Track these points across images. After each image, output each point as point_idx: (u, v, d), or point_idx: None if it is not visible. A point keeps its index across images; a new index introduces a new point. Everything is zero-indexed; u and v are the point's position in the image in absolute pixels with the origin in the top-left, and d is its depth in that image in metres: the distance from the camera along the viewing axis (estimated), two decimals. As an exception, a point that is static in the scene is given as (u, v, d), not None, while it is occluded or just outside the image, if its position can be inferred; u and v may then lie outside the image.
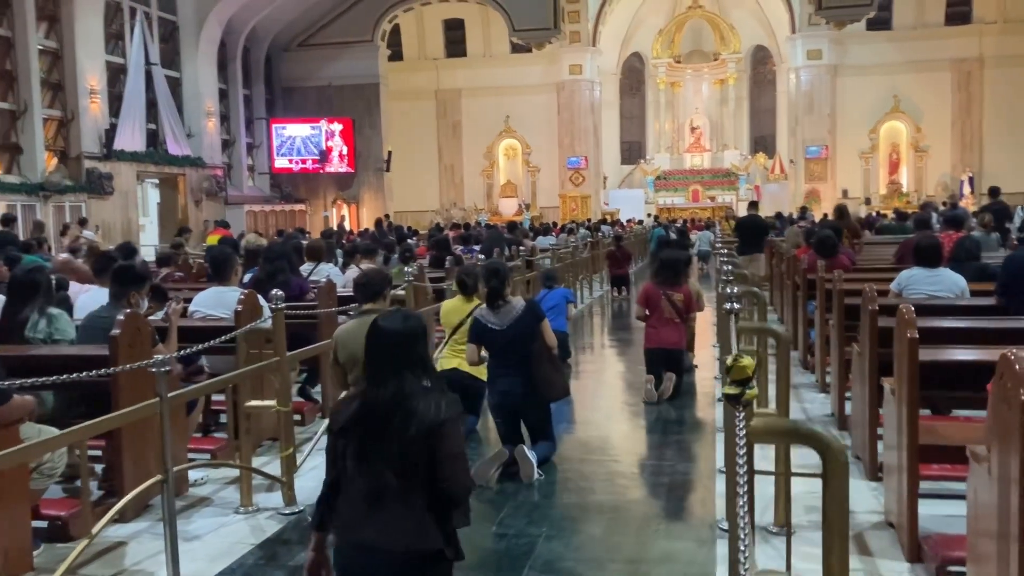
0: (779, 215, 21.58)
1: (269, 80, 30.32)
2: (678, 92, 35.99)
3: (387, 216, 26.04)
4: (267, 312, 5.37)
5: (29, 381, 3.80)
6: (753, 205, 14.77)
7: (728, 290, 4.42)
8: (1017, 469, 2.56)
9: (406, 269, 7.84)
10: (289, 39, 30.21)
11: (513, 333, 5.55)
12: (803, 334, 8.78)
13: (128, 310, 4.98)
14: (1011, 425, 2.60)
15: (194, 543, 4.50)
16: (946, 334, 5.01)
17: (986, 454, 2.91)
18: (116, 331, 4.66)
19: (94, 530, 3.79)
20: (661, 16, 35.04)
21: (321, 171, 29.01)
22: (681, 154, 35.94)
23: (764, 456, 4.70)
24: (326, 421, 6.01)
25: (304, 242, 10.98)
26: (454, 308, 6.47)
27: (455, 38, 34.36)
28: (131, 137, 21.69)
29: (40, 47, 19.63)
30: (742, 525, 1.78)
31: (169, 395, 4.04)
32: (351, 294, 7.91)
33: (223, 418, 6.02)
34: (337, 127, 29.61)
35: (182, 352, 5.14)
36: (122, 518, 4.67)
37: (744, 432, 2.15)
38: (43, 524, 4.47)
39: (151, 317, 5.39)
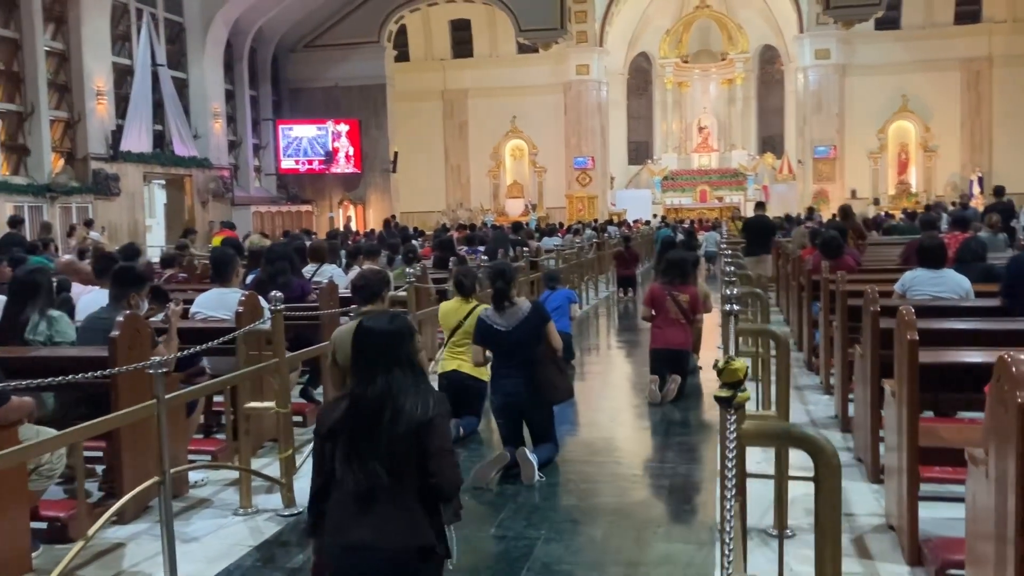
0: (787, 216, 21.48)
1: (276, 81, 30.36)
2: (685, 92, 35.92)
3: (393, 217, 26.06)
4: (268, 314, 5.37)
5: (28, 382, 3.80)
6: (760, 206, 14.71)
7: (728, 291, 4.39)
8: (1014, 471, 2.53)
9: (408, 270, 7.83)
10: (296, 40, 30.25)
11: (519, 335, 5.54)
12: (808, 335, 8.74)
13: (128, 311, 4.98)
14: (1008, 427, 2.58)
15: (192, 545, 4.50)
16: (949, 335, 4.98)
17: (984, 456, 2.88)
18: (115, 332, 4.67)
19: (90, 532, 3.79)
20: (668, 16, 34.97)
21: (327, 172, 29.03)
22: (688, 154, 35.87)
23: (767, 458, 4.69)
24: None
25: (308, 243, 10.97)
26: (452, 309, 6.46)
27: (462, 38, 34.35)
28: (138, 138, 21.75)
29: (47, 49, 19.70)
30: (728, 529, 1.76)
31: (166, 396, 4.03)
32: (351, 295, 7.94)
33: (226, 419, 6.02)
34: (343, 128, 29.65)
35: (182, 353, 5.14)
36: (121, 519, 4.68)
37: (734, 435, 2.13)
38: (43, 525, 4.47)
39: (152, 318, 5.40)
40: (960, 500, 3.65)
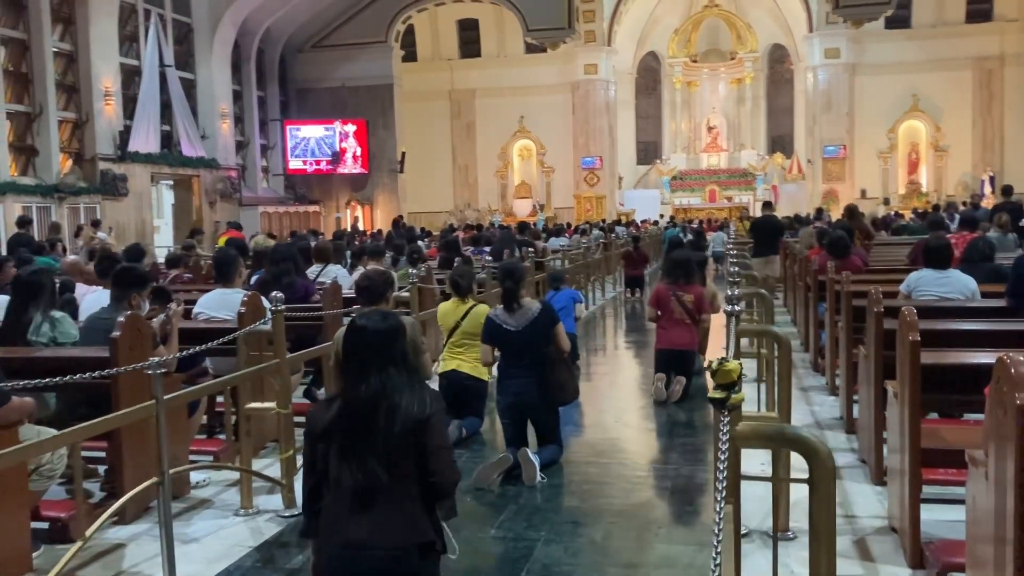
0: (797, 217, 21.38)
1: (283, 81, 30.41)
2: (694, 91, 35.83)
3: (400, 217, 26.09)
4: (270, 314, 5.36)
5: (27, 383, 3.81)
6: (767, 205, 14.62)
7: (728, 292, 4.36)
8: (1013, 473, 2.51)
9: (411, 271, 7.82)
10: (303, 40, 30.30)
11: (528, 335, 5.54)
12: (814, 336, 8.70)
13: (129, 312, 4.98)
14: (1007, 429, 2.55)
15: (192, 545, 4.49)
16: (954, 336, 4.94)
17: (984, 458, 2.85)
18: (116, 333, 4.67)
19: (88, 532, 3.79)
20: (677, 15, 34.90)
21: (334, 172, 29.06)
22: (697, 154, 35.77)
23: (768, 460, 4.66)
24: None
25: (313, 243, 10.98)
26: (449, 310, 6.45)
27: (469, 38, 34.34)
28: (145, 139, 21.80)
29: (55, 50, 19.78)
30: (717, 531, 1.74)
31: (165, 397, 4.03)
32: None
33: (233, 419, 6.02)
34: (351, 128, 29.67)
35: (182, 353, 5.14)
36: (122, 520, 4.68)
37: (728, 436, 2.11)
38: (44, 525, 4.48)
39: (153, 319, 5.39)
40: (963, 502, 3.62)
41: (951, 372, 4.36)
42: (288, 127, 29.76)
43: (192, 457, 5.47)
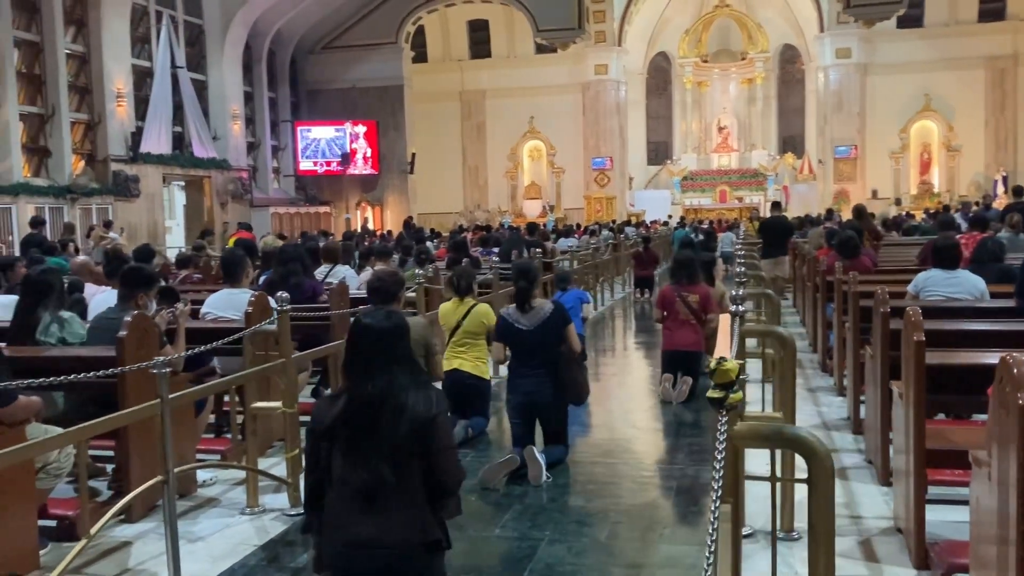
0: (807, 217, 21.28)
1: (294, 82, 30.51)
2: (705, 92, 35.75)
3: (410, 218, 26.14)
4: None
5: (31, 381, 3.83)
6: (776, 206, 14.57)
7: (734, 292, 4.36)
8: (1015, 474, 2.50)
9: (418, 272, 7.84)
10: (314, 42, 30.39)
11: (540, 334, 5.56)
12: (822, 337, 8.67)
13: (135, 312, 5.01)
14: (1009, 430, 2.54)
15: (198, 544, 4.51)
16: (961, 337, 4.91)
17: (987, 459, 2.84)
18: (122, 332, 4.69)
19: (93, 530, 3.81)
20: (687, 15, 34.83)
21: (344, 173, 29.13)
22: (708, 154, 35.69)
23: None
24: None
25: (322, 244, 11.00)
26: (450, 310, 6.46)
27: (479, 39, 34.36)
28: (157, 140, 21.91)
29: (68, 51, 19.90)
30: (711, 530, 1.73)
31: (171, 396, 4.05)
32: (365, 295, 7.95)
33: (239, 419, 6.05)
34: (361, 129, 29.74)
35: (188, 352, 5.16)
36: (129, 518, 4.71)
37: (725, 436, 2.11)
38: (51, 523, 4.50)
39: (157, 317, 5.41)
40: (968, 503, 3.60)
41: (958, 373, 4.34)
42: (299, 128, 29.85)
43: (199, 456, 5.49)
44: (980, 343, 4.81)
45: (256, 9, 25.38)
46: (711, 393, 2.29)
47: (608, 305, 15.38)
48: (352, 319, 2.96)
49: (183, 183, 24.85)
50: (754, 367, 6.51)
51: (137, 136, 21.34)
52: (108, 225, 17.03)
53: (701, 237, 17.09)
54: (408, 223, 23.12)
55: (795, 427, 2.62)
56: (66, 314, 5.37)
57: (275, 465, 5.57)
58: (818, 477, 2.25)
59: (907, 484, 3.96)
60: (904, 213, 24.51)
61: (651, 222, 28.17)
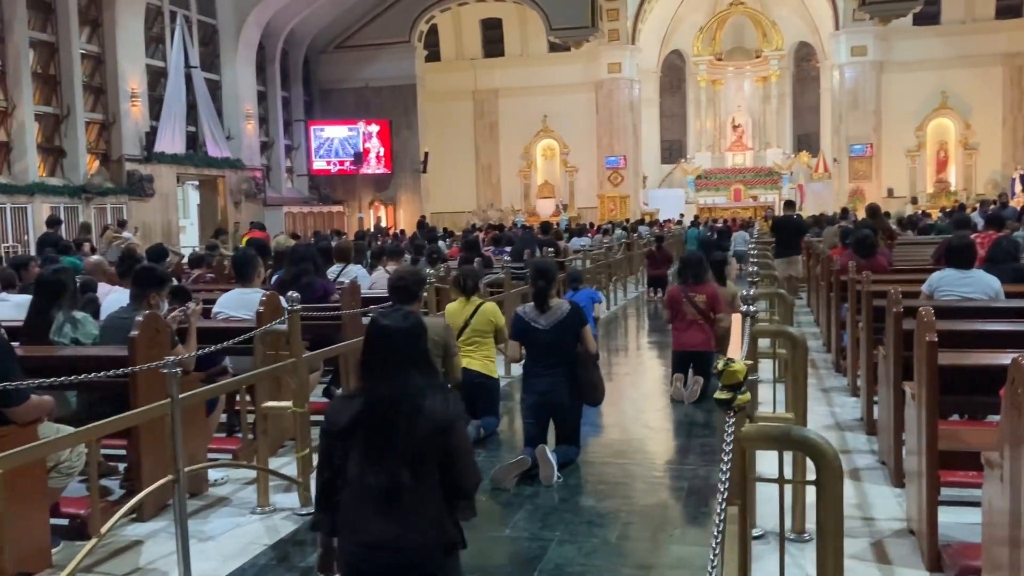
0: (822, 216, 21.15)
1: (307, 82, 30.60)
2: (719, 90, 35.63)
3: (423, 217, 26.17)
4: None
5: (43, 381, 3.85)
6: (789, 205, 14.48)
7: (745, 292, 4.33)
8: (1028, 477, 2.47)
9: (428, 271, 7.84)
10: (327, 41, 30.46)
11: (556, 334, 5.56)
12: (836, 337, 8.62)
13: (147, 311, 5.02)
14: (1021, 431, 2.51)
15: (209, 543, 4.52)
16: (975, 337, 4.87)
17: (999, 460, 2.81)
18: (134, 332, 4.71)
19: (103, 529, 3.83)
20: (702, 13, 34.71)
21: (357, 172, 29.20)
22: (722, 153, 35.56)
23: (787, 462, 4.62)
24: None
25: (334, 244, 11.02)
26: (457, 310, 6.46)
27: (492, 38, 34.35)
28: (171, 140, 22.03)
29: (82, 52, 20.02)
30: (716, 532, 1.72)
31: (181, 396, 4.06)
32: (376, 295, 7.96)
33: (251, 418, 6.06)
34: (374, 128, 29.80)
35: (199, 352, 5.17)
36: (140, 517, 4.73)
37: (732, 437, 2.09)
38: (63, 522, 4.53)
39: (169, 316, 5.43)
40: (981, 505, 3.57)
41: (971, 373, 4.30)
42: (312, 128, 29.94)
43: (210, 455, 5.51)
44: (994, 343, 4.76)
45: (269, 9, 25.47)
46: (718, 394, 2.27)
47: (621, 304, 15.35)
48: (369, 319, 2.94)
49: (197, 183, 24.97)
50: (766, 367, 6.48)
51: (151, 136, 21.46)
52: (122, 225, 17.11)
53: (714, 236, 17.04)
54: (422, 222, 23.15)
55: (803, 428, 2.60)
56: (79, 314, 5.40)
57: (286, 465, 5.58)
58: (826, 479, 2.23)
59: (920, 485, 3.93)
60: (920, 212, 24.35)
61: (664, 221, 28.08)
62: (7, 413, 3.98)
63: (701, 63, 35.07)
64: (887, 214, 15.40)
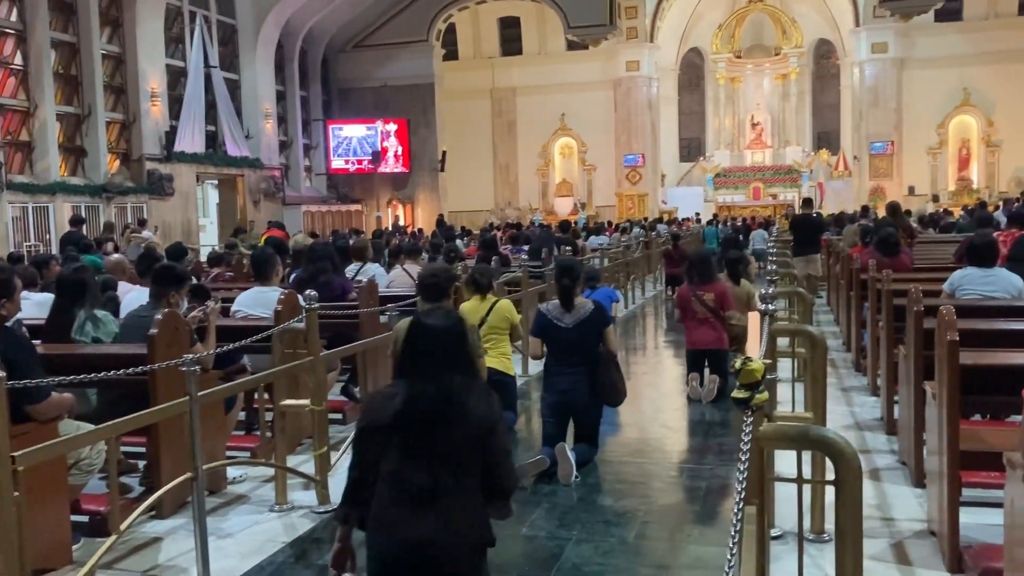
0: (842, 214, 20.98)
1: (325, 81, 30.69)
2: (738, 88, 35.42)
3: (442, 216, 26.21)
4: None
5: (63, 379, 3.88)
6: (807, 203, 14.35)
7: (764, 290, 4.31)
8: (1050, 479, 2.44)
9: (447, 269, 7.83)
10: (345, 40, 30.54)
11: (579, 333, 5.56)
12: (856, 336, 8.56)
13: (166, 310, 5.05)
14: (1044, 433, 2.48)
15: (227, 540, 4.54)
16: (997, 336, 4.82)
17: (1021, 460, 2.77)
18: (153, 330, 4.74)
19: (123, 526, 3.85)
20: (720, 11, 34.54)
21: (375, 171, 29.27)
22: (741, 151, 35.35)
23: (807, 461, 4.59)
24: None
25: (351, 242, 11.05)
26: (472, 309, 6.46)
27: (510, 36, 34.33)
28: (191, 139, 22.16)
29: (103, 52, 20.16)
30: (733, 532, 1.71)
31: (200, 393, 4.08)
32: (394, 293, 7.98)
33: (269, 416, 6.09)
34: (392, 127, 29.84)
35: (219, 350, 5.19)
36: (159, 514, 4.75)
37: (750, 436, 2.08)
38: (84, 519, 4.56)
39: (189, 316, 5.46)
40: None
41: (994, 373, 4.26)
42: (330, 127, 30.03)
43: (229, 453, 5.53)
44: (1017, 343, 4.72)
45: (288, 8, 25.57)
46: (736, 393, 2.26)
47: (639, 303, 15.31)
48: (411, 318, 2.92)
49: (216, 182, 25.11)
50: (785, 366, 6.44)
51: (171, 135, 21.59)
52: (142, 224, 17.26)
53: (736, 233, 16.95)
54: (441, 221, 23.21)
55: (822, 428, 2.58)
56: (100, 313, 5.44)
57: (304, 463, 5.60)
58: (845, 478, 2.21)
59: (940, 486, 3.89)
60: (942, 210, 24.13)
61: (683, 219, 27.97)
62: (28, 410, 4.01)
63: (720, 61, 34.89)
64: (908, 212, 15.26)
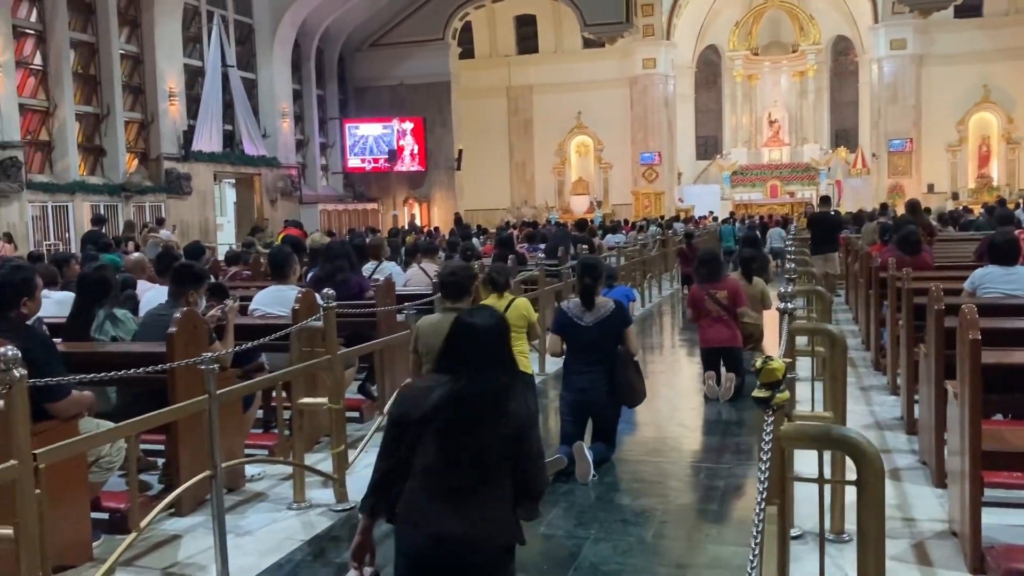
0: (861, 212, 20.83)
1: (342, 80, 30.77)
2: (755, 85, 35.27)
3: (457, 214, 26.23)
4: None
5: (83, 377, 3.90)
6: (825, 201, 14.27)
7: (782, 289, 4.28)
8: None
9: (464, 267, 7.82)
10: (361, 39, 30.60)
11: (598, 332, 5.55)
12: (875, 334, 8.50)
13: (185, 308, 5.07)
14: (1070, 433, 2.45)
15: (246, 538, 4.56)
16: (1019, 335, 4.77)
17: (1046, 463, 2.74)
18: (172, 329, 4.76)
19: (143, 523, 3.87)
20: (738, 8, 34.40)
21: (392, 170, 29.32)
22: (759, 148, 35.19)
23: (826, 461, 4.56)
24: (379, 419, 6.06)
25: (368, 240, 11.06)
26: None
27: (527, 34, 34.32)
28: (208, 138, 22.28)
29: (122, 52, 20.32)
30: (755, 532, 1.69)
31: (219, 392, 4.10)
32: (411, 291, 7.98)
33: (287, 414, 6.10)
34: (408, 126, 29.89)
35: (237, 348, 5.21)
36: (178, 512, 4.77)
37: (771, 436, 2.06)
38: (104, 516, 4.59)
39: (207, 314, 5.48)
40: (1026, 507, 3.50)
41: (1016, 372, 4.22)
42: (347, 125, 30.11)
43: (247, 451, 5.55)
44: (1040, 341, 4.67)
45: (305, 8, 25.66)
46: (757, 393, 2.24)
47: (656, 302, 15.27)
48: (456, 316, 2.92)
49: (233, 180, 25.24)
50: (804, 365, 6.40)
51: (189, 134, 21.72)
52: (160, 223, 17.35)
53: (755, 231, 16.86)
54: (459, 219, 23.24)
55: (843, 428, 2.55)
56: (119, 312, 5.47)
57: (321, 461, 5.61)
58: (868, 479, 2.19)
59: (962, 486, 3.85)
60: (961, 208, 23.92)
61: (700, 218, 27.87)
62: (49, 408, 4.03)
63: (737, 58, 34.74)
64: (927, 210, 15.15)
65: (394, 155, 29.38)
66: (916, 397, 5.81)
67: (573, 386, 5.61)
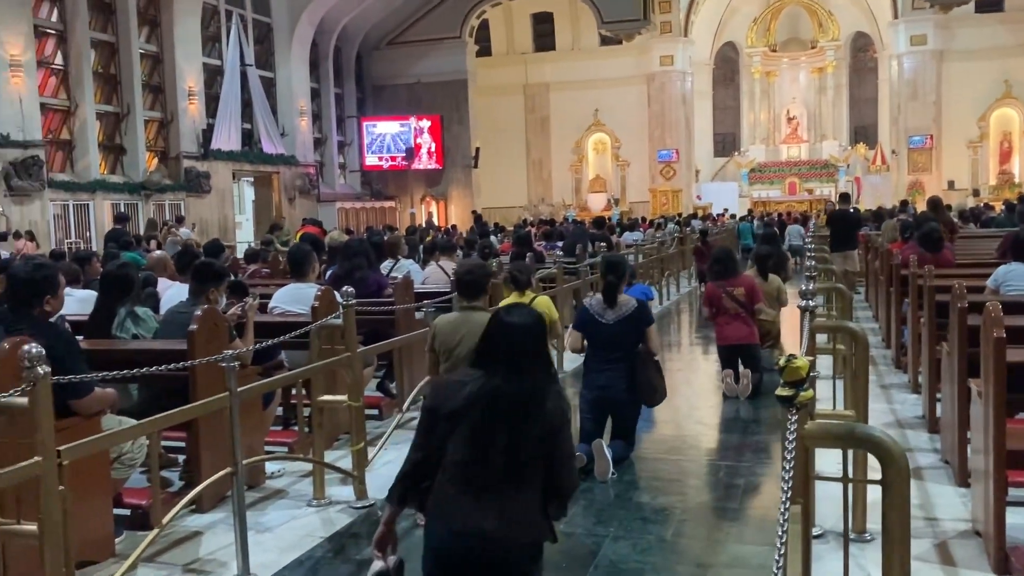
0: (880, 209, 20.67)
1: (359, 78, 30.85)
2: (774, 82, 35.07)
3: (476, 212, 26.24)
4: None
5: (106, 374, 3.92)
6: (844, 198, 14.16)
7: (804, 287, 4.25)
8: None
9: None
10: (379, 38, 30.67)
11: (619, 330, 5.55)
12: (896, 332, 8.44)
13: (206, 306, 5.10)
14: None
15: (266, 534, 4.58)
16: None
17: (1073, 462, 2.71)
18: (193, 326, 4.78)
19: (164, 520, 3.90)
20: (756, 4, 34.22)
21: (409, 168, 29.36)
22: (777, 145, 35.01)
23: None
24: (398, 416, 6.08)
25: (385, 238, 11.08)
26: (511, 305, 6.46)
27: (544, 32, 34.28)
28: (227, 137, 22.40)
29: (142, 51, 20.45)
30: (780, 532, 1.68)
31: (239, 389, 4.12)
32: (429, 289, 7.99)
33: (307, 411, 6.12)
34: (425, 124, 29.93)
35: (257, 346, 5.23)
36: (199, 508, 4.80)
37: (795, 435, 2.05)
38: (126, 512, 4.62)
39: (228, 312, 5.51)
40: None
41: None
42: (364, 124, 30.18)
43: (267, 448, 5.58)
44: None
45: (322, 7, 25.74)
46: (780, 391, 2.23)
47: (674, 299, 15.23)
48: (493, 314, 2.93)
49: (252, 179, 25.36)
50: (825, 363, 6.36)
51: (208, 133, 21.83)
52: (180, 221, 17.47)
53: (774, 228, 16.77)
54: (478, 217, 23.26)
55: (868, 426, 2.53)
56: (140, 310, 5.50)
57: (341, 458, 5.62)
58: (893, 479, 2.17)
59: (986, 486, 3.82)
60: (982, 204, 23.71)
61: (718, 215, 27.76)
62: (72, 405, 4.07)
63: (755, 55, 34.57)
64: (948, 207, 15.02)
65: (411, 153, 29.41)
66: (938, 395, 5.76)
67: (593, 383, 5.61)
